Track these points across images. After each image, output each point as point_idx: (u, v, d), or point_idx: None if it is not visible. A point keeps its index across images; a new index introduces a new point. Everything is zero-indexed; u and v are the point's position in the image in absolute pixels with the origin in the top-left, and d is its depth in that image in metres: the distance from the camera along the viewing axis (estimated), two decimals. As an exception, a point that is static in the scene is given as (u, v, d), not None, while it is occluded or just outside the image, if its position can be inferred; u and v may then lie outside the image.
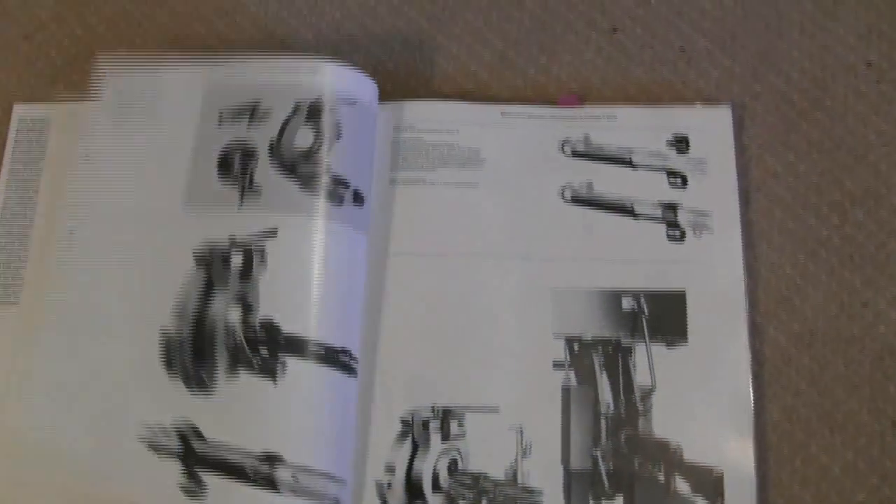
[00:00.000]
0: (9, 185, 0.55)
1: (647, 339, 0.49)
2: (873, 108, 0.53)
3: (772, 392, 0.49)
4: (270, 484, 0.44)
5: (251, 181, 0.50)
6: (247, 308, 0.47)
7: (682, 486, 0.47)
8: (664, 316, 0.50)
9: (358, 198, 0.50)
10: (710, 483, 0.47)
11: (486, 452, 0.48)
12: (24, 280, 0.53)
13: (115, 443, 0.47)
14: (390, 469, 0.48)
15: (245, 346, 0.47)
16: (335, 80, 0.51)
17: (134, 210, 0.51)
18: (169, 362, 0.47)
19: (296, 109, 0.50)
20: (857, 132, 0.53)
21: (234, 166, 0.50)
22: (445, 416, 0.48)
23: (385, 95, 0.54)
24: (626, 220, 0.52)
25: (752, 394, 0.48)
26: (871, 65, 0.54)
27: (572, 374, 0.49)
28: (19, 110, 0.57)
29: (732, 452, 0.47)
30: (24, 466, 0.47)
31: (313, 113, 0.50)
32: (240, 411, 0.46)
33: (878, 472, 0.47)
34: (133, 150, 0.52)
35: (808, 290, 0.51)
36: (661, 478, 0.47)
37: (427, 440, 0.48)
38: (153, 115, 0.53)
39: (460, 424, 0.48)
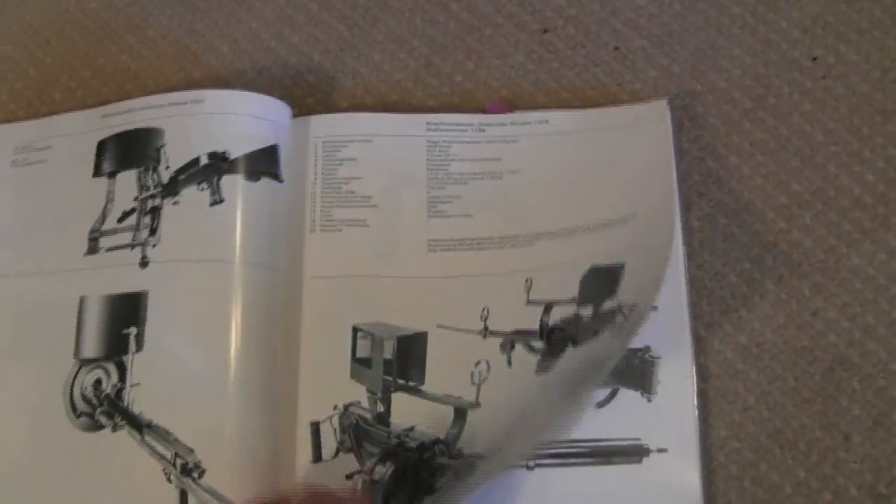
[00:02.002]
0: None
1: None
2: (820, 106, 0.53)
3: (718, 408, 0.49)
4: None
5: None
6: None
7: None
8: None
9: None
10: (655, 506, 0.48)
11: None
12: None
13: None
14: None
15: None
16: (220, 106, 0.52)
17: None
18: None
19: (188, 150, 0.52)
20: (804, 131, 0.53)
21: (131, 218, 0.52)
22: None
23: (306, 109, 0.55)
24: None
25: (696, 411, 0.48)
26: (816, 59, 0.54)
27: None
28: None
29: (679, 475, 0.47)
30: None
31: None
32: None
33: (831, 489, 0.47)
34: (29, 208, 0.54)
35: (755, 299, 0.51)
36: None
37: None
38: (48, 171, 0.55)
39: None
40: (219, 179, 0.51)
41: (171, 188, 0.51)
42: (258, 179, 0.51)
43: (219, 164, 0.51)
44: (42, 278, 0.52)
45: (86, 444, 0.48)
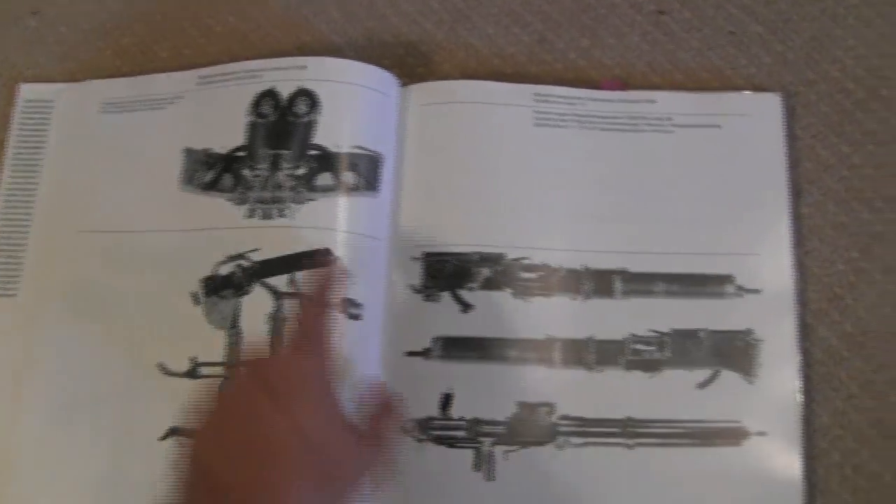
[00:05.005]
0: (13, 170, 0.58)
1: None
2: (932, 99, 0.56)
3: (822, 395, 0.51)
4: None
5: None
6: None
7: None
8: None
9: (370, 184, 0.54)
10: (757, 490, 0.50)
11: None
12: (23, 272, 0.56)
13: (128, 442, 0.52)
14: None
15: None
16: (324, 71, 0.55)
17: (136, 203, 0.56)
18: None
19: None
20: (915, 124, 0.56)
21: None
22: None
23: (417, 78, 0.57)
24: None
25: (800, 397, 0.51)
26: (930, 52, 0.57)
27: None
28: (25, 90, 0.60)
29: (779, 458, 0.50)
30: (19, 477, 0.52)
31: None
32: None
33: (933, 481, 0.50)
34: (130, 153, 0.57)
35: (862, 288, 0.53)
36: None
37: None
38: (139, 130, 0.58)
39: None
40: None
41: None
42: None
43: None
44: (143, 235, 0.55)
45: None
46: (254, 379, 0.41)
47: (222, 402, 0.41)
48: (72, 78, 0.60)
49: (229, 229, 0.53)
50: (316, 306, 0.45)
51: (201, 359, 0.52)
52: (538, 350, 0.52)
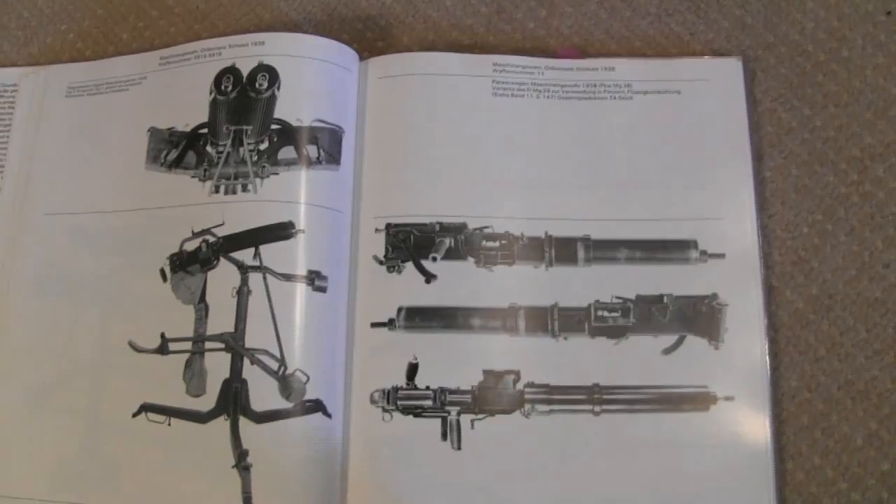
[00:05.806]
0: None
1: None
2: (893, 59, 0.56)
3: (789, 359, 0.51)
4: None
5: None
6: None
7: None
8: (673, 278, 0.53)
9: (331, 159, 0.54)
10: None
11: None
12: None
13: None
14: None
15: None
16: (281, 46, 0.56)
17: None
18: None
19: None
20: (877, 84, 0.56)
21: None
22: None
23: (377, 52, 0.58)
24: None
25: (768, 361, 0.51)
26: (890, 13, 0.57)
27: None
28: (-11, 74, 0.61)
29: (748, 423, 0.50)
30: None
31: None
32: None
33: (902, 441, 0.50)
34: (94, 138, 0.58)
35: (827, 250, 0.53)
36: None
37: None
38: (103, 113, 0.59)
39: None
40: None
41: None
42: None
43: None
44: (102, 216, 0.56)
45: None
46: None
47: None
48: (35, 62, 0.61)
49: (195, 206, 0.54)
50: None
51: (171, 335, 0.52)
52: (502, 318, 0.52)
